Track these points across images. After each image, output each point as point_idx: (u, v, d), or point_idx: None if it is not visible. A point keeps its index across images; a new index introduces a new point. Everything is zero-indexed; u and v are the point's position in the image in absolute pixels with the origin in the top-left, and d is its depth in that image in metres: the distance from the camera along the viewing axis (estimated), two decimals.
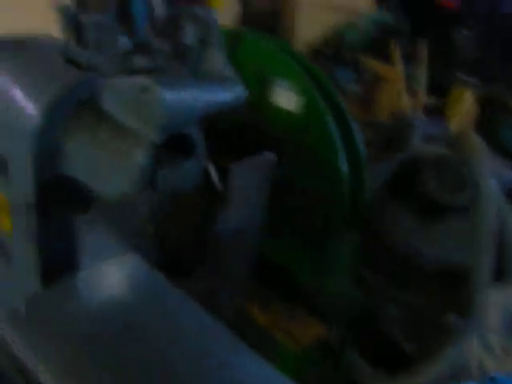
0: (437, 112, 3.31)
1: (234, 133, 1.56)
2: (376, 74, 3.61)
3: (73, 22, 1.22)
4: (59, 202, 1.17)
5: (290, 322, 1.62)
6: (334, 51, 3.81)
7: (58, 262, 1.03)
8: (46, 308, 0.95)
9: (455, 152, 2.04)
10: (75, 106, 1.15)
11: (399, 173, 2.04)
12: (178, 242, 1.05)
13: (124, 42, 1.16)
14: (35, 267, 1.23)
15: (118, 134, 1.07)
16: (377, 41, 3.65)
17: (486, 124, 2.84)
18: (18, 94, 1.19)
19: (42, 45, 1.40)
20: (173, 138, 1.06)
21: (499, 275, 1.91)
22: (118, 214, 1.00)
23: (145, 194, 1.01)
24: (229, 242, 1.15)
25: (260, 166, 1.16)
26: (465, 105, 3.47)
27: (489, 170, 1.95)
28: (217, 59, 1.10)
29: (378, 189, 1.96)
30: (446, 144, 2.31)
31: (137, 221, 1.01)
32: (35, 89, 1.17)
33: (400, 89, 3.51)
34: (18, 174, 1.19)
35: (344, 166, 1.62)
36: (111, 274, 1.00)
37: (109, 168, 1.07)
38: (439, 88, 3.62)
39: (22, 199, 1.19)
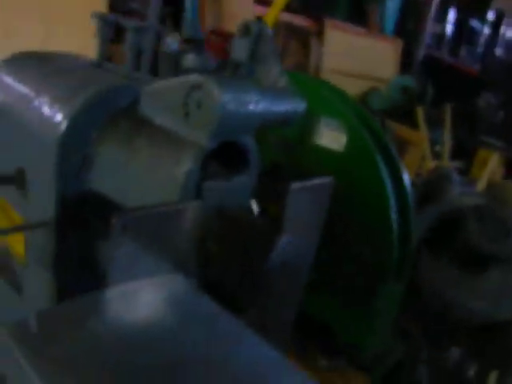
0: (462, 175, 3.22)
1: (273, 173, 1.41)
2: (401, 137, 3.57)
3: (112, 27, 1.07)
4: (82, 223, 0.98)
5: (331, 373, 1.54)
6: None
7: (77, 294, 0.82)
8: (63, 322, 0.74)
9: (495, 203, 2.01)
10: (111, 114, 0.98)
11: (439, 224, 1.92)
12: (223, 267, 0.85)
13: (171, 41, 1.00)
14: (50, 300, 1.08)
15: (160, 140, 0.91)
16: (401, 105, 3.62)
17: None
18: (45, 102, 1.06)
19: (73, 58, 1.30)
20: (225, 146, 0.88)
21: None
22: (156, 232, 0.80)
23: (188, 208, 0.82)
24: (279, 274, 0.96)
25: (319, 188, 0.98)
26: (490, 167, 3.44)
27: None
28: (272, 72, 0.94)
29: (418, 241, 1.82)
30: (485, 196, 2.23)
31: (178, 239, 0.81)
32: (63, 96, 1.02)
33: (424, 152, 3.46)
34: (38, 188, 1.04)
35: (394, 212, 1.43)
36: (148, 292, 0.80)
37: (147, 177, 0.91)
38: (463, 151, 3.58)
39: (40, 217, 1.00)
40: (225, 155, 0.94)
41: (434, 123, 3.59)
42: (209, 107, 0.86)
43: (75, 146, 1.00)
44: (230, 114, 0.88)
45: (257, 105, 0.91)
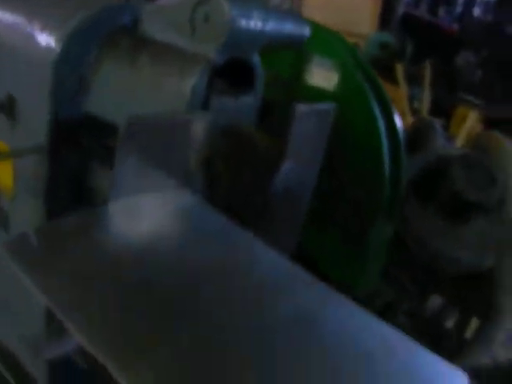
0: None
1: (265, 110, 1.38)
2: None
3: None
4: (76, 145, 0.93)
5: None
6: None
7: None
8: (65, 235, 0.70)
9: (480, 152, 1.99)
10: (109, 34, 0.94)
11: (425, 173, 1.91)
12: (230, 187, 0.82)
13: None
14: None
15: (164, 56, 0.87)
16: (380, 62, 3.58)
17: None
18: (37, 28, 1.00)
19: None
20: (232, 64, 0.85)
21: None
22: (164, 141, 0.76)
23: (198, 119, 0.79)
24: (282, 200, 0.93)
25: (323, 113, 0.95)
26: (469, 124, 3.44)
27: None
28: None
29: (405, 190, 1.81)
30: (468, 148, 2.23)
31: (185, 151, 0.78)
32: (56, 20, 0.97)
33: (404, 108, 3.44)
34: (30, 115, 0.98)
35: (386, 153, 1.42)
36: (155, 205, 0.76)
37: (152, 95, 0.87)
38: (442, 109, 3.58)
39: (30, 144, 0.95)
40: (231, 74, 0.91)
41: (414, 80, 3.57)
42: (217, 20, 0.83)
43: (70, 69, 0.95)
44: (238, 27, 0.84)
45: (264, 22, 0.88)
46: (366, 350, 0.65)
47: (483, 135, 2.11)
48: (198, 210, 0.81)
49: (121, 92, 0.91)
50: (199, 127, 0.80)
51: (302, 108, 0.94)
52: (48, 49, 0.94)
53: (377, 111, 1.48)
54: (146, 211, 0.76)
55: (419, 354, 0.67)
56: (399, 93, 3.51)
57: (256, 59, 0.90)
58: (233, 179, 0.84)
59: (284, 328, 0.65)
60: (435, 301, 1.95)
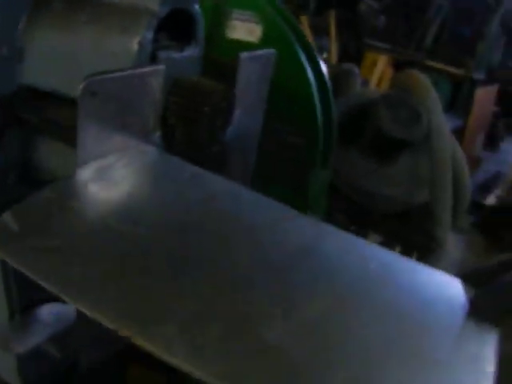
0: None
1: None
2: None
3: None
4: (17, 122, 0.90)
5: None
6: None
7: None
8: (43, 212, 0.67)
9: (402, 91, 2.08)
10: None
11: (347, 117, 1.94)
12: (186, 140, 0.82)
13: None
14: None
15: (105, 13, 0.84)
16: None
17: None
18: None
19: None
20: (173, 15, 0.83)
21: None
22: (124, 97, 0.75)
23: (154, 71, 0.78)
24: (234, 148, 0.94)
25: (264, 58, 0.96)
26: (379, 68, 3.53)
27: (438, 106, 1.95)
28: None
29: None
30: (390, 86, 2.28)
31: (144, 106, 0.77)
32: None
33: None
34: None
35: (317, 100, 1.44)
36: (126, 163, 0.75)
37: (95, 56, 0.84)
38: (351, 56, 3.65)
39: None
40: (173, 27, 0.89)
41: (319, 31, 3.61)
42: None
43: (1, 40, 0.90)
44: None
45: None
46: (369, 273, 0.66)
47: (401, 75, 2.17)
48: (167, 162, 0.80)
49: (59, 57, 0.88)
50: (154, 81, 0.78)
51: (245, 55, 0.93)
52: None
53: (303, 58, 1.49)
54: (116, 172, 0.74)
55: (417, 269, 0.69)
56: None
57: (196, 8, 0.88)
58: (188, 132, 0.83)
59: (290, 263, 0.66)
60: (375, 239, 2.00)
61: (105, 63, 0.84)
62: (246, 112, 0.98)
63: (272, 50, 1.01)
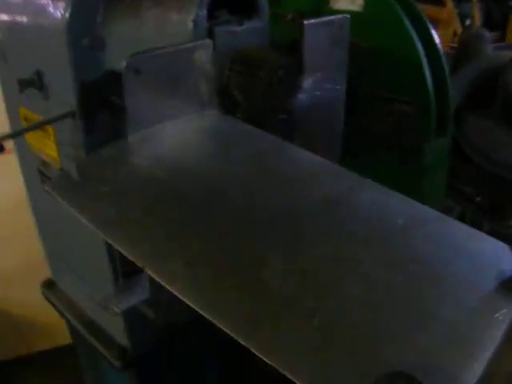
0: None
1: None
2: (428, 17, 3.43)
3: None
4: (106, 105, 0.96)
5: None
6: None
7: None
8: (101, 165, 0.73)
9: None
10: None
11: (479, 82, 1.83)
12: (251, 113, 0.83)
13: None
14: None
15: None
16: None
17: None
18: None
19: None
20: None
21: None
22: (171, 73, 0.78)
23: (200, 46, 0.80)
24: (311, 116, 0.93)
25: (334, 23, 0.94)
26: None
27: None
28: None
29: (459, 103, 1.75)
30: None
31: (195, 80, 0.79)
32: None
33: (455, 28, 3.32)
34: (57, 83, 1.01)
35: (426, 68, 1.39)
36: (179, 127, 0.78)
37: (158, 38, 0.87)
38: (495, 21, 3.42)
39: (64, 111, 0.99)
40: (233, 4, 0.91)
41: None
42: None
43: (83, 31, 0.98)
44: None
45: None
46: (394, 226, 0.64)
47: None
48: (221, 123, 0.83)
49: (131, 42, 0.93)
50: (203, 55, 0.81)
51: (310, 22, 0.93)
52: (59, 17, 0.97)
53: (408, 24, 1.44)
54: (170, 134, 0.78)
55: (459, 227, 0.66)
56: (448, 13, 3.39)
57: None
58: (246, 99, 0.85)
59: (312, 211, 0.66)
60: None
61: (166, 43, 0.88)
62: (322, 79, 0.97)
63: (344, 15, 1.00)
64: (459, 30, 3.24)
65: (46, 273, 1.41)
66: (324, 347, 0.52)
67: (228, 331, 0.52)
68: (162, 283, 0.57)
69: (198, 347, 1.24)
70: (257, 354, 0.50)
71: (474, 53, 2.07)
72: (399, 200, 0.70)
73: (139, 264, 0.60)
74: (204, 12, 0.84)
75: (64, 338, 1.64)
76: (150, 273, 0.59)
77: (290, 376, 0.49)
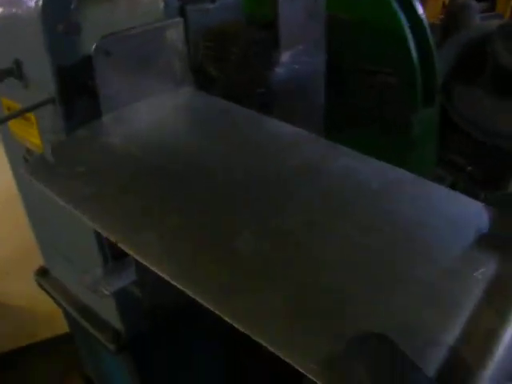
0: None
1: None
2: None
3: None
4: (86, 91, 0.96)
5: None
6: None
7: None
8: (75, 146, 0.73)
9: None
10: None
11: (467, 52, 1.81)
12: (227, 88, 0.82)
13: None
14: None
15: None
16: None
17: None
18: None
19: None
20: None
21: None
22: (143, 53, 0.77)
23: (171, 25, 0.80)
24: (290, 88, 0.93)
25: None
26: None
27: None
28: None
29: (447, 73, 1.74)
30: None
31: (167, 66, 0.79)
32: None
33: (444, 0, 3.30)
34: (35, 70, 1.00)
35: (408, 34, 1.38)
36: (156, 105, 0.78)
37: (131, 18, 0.86)
38: None
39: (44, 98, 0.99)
40: None
41: None
42: None
43: (57, 17, 0.97)
44: None
45: None
46: (372, 190, 0.64)
47: None
48: (196, 100, 0.83)
49: (105, 26, 0.93)
50: (174, 33, 0.81)
51: None
52: (32, 5, 0.97)
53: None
54: (144, 112, 0.78)
55: (435, 189, 0.66)
56: None
57: None
58: (221, 74, 0.85)
59: (287, 179, 0.66)
60: None
61: (138, 23, 0.88)
62: (299, 52, 0.97)
63: None
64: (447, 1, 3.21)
65: (41, 261, 1.41)
66: (298, 313, 0.52)
67: (201, 300, 0.52)
68: (135, 256, 0.57)
69: (189, 330, 1.25)
70: (229, 321, 0.50)
71: (461, 23, 2.06)
72: (376, 165, 0.69)
73: (112, 239, 0.60)
74: None
75: (63, 326, 1.64)
76: (122, 246, 0.58)
77: (264, 343, 0.50)
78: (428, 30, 1.47)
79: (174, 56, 0.82)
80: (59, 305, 1.35)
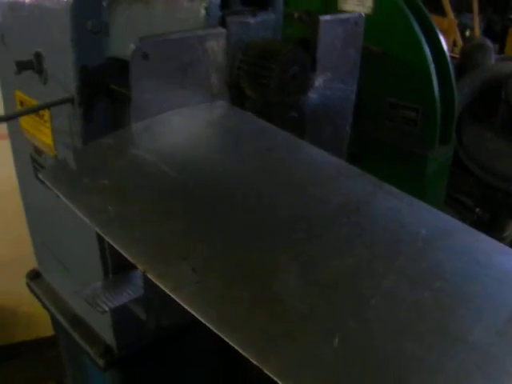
0: None
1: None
2: None
3: None
4: (106, 92, 0.92)
5: None
6: None
7: None
8: (100, 155, 0.68)
9: None
10: None
11: (480, 93, 1.80)
12: (261, 107, 0.78)
13: None
14: None
15: None
16: None
17: None
18: None
19: None
20: None
21: None
22: (180, 60, 0.73)
23: (212, 34, 0.75)
24: (320, 117, 0.89)
25: (350, 21, 0.90)
26: None
27: None
28: None
29: (461, 112, 1.72)
30: None
31: (204, 69, 0.75)
32: None
33: (455, 38, 3.30)
34: (57, 66, 0.96)
35: (433, 74, 1.37)
36: (186, 117, 0.73)
37: (168, 24, 0.82)
38: (495, 33, 3.41)
39: (62, 95, 0.94)
40: None
41: (461, 8, 3.42)
42: None
43: (87, 15, 0.93)
44: None
45: None
46: (420, 237, 0.60)
47: None
48: (232, 116, 0.78)
49: (138, 30, 0.89)
50: (216, 44, 0.76)
51: (326, 17, 0.89)
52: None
53: (417, 29, 1.41)
54: (176, 124, 0.73)
55: (484, 240, 0.62)
56: (449, 22, 3.38)
57: None
58: (257, 92, 0.81)
59: (328, 218, 0.62)
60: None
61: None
62: (333, 78, 0.93)
63: (359, 14, 0.95)
64: (459, 40, 3.22)
65: (33, 264, 1.35)
66: (343, 372, 0.47)
67: (240, 350, 0.47)
68: (166, 290, 0.52)
69: (190, 351, 1.19)
70: (272, 377, 0.45)
71: (476, 63, 2.05)
72: (422, 208, 0.65)
73: (140, 267, 0.54)
74: (218, 0, 0.79)
75: (47, 329, 1.58)
76: (151, 278, 0.53)
77: None
78: (451, 66, 1.45)
79: (213, 67, 0.78)
80: (47, 309, 1.29)
